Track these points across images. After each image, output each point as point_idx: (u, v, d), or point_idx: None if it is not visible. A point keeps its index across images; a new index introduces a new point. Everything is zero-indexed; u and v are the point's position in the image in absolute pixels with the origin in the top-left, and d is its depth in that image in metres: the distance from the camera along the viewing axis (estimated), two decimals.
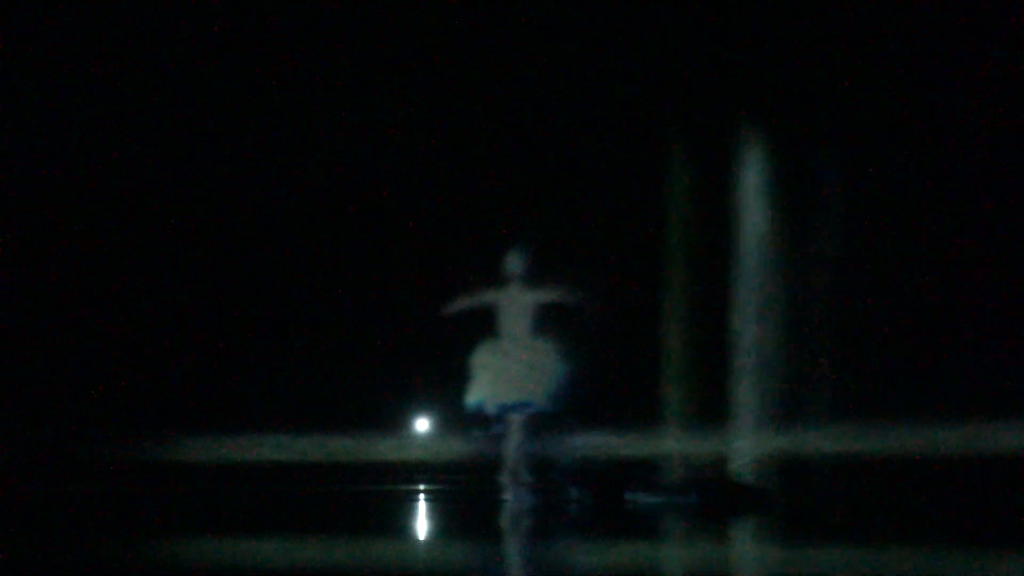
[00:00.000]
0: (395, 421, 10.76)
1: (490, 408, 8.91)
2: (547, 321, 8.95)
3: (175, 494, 10.21)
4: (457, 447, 10.53)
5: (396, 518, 8.14)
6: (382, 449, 10.71)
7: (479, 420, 9.04)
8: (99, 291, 11.04)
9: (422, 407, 10.76)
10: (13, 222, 11.03)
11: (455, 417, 9.55)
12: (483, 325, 9.53)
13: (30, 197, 11.10)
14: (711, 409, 9.94)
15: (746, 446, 9.48)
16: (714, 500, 8.71)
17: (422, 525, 7.49)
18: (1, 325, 10.88)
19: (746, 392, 9.71)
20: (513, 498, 8.85)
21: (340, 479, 10.52)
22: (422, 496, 10.12)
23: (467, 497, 9.75)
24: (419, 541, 6.56)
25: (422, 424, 10.72)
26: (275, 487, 10.50)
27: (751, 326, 9.74)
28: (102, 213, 11.10)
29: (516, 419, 8.90)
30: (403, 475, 10.58)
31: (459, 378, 10.51)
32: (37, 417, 10.77)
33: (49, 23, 10.89)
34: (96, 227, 11.10)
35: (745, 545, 6.38)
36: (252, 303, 11.03)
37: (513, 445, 8.92)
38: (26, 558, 5.58)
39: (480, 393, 8.97)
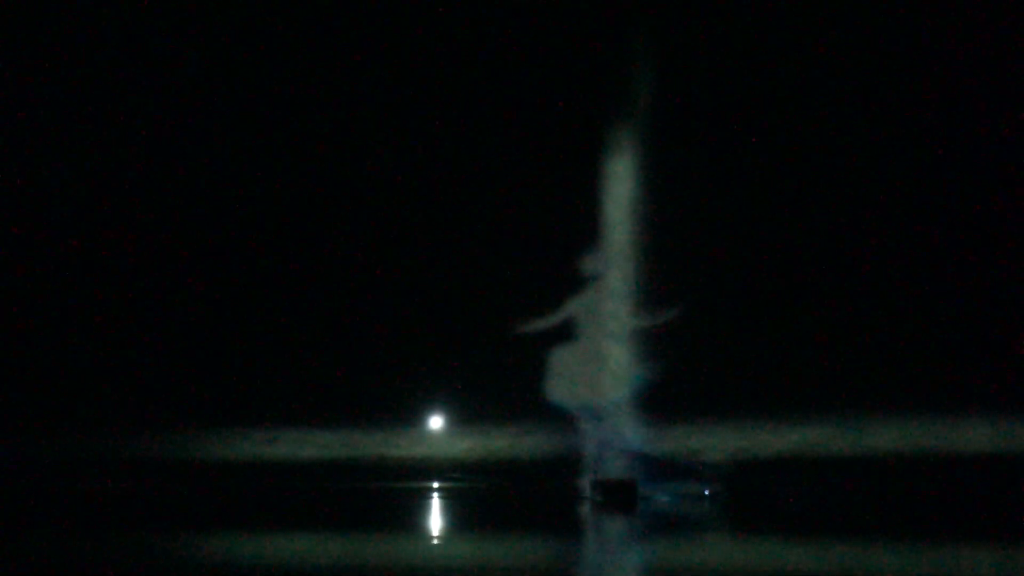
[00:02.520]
0: (409, 418, 10.84)
1: (571, 408, 9.07)
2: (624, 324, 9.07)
3: (200, 491, 10.30)
4: (472, 444, 10.65)
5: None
6: (400, 445, 10.80)
7: (568, 415, 9.16)
8: (115, 288, 11.10)
9: (436, 404, 10.85)
10: (14, 223, 11.09)
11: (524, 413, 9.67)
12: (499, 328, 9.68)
13: (31, 197, 11.15)
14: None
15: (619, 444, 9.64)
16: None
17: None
18: (4, 327, 10.94)
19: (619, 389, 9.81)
20: (594, 497, 8.99)
21: (356, 476, 10.61)
22: (436, 495, 10.22)
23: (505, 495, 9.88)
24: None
25: (436, 421, 10.83)
26: (298, 484, 10.60)
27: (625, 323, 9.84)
28: (110, 212, 11.14)
29: (594, 421, 9.04)
30: (424, 473, 10.66)
31: (473, 377, 10.62)
32: (51, 414, 10.84)
33: (50, 23, 10.94)
34: (111, 225, 11.15)
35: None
36: (271, 300, 11.09)
37: (593, 446, 9.08)
38: (36, 556, 5.69)
39: (559, 394, 9.11)
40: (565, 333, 9.25)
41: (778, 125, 10.30)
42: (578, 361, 9.11)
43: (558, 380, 9.12)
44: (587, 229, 10.15)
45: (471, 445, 10.68)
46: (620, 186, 10.38)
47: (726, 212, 10.25)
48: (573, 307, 9.13)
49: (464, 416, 10.68)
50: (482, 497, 9.92)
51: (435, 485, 10.50)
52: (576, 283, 9.30)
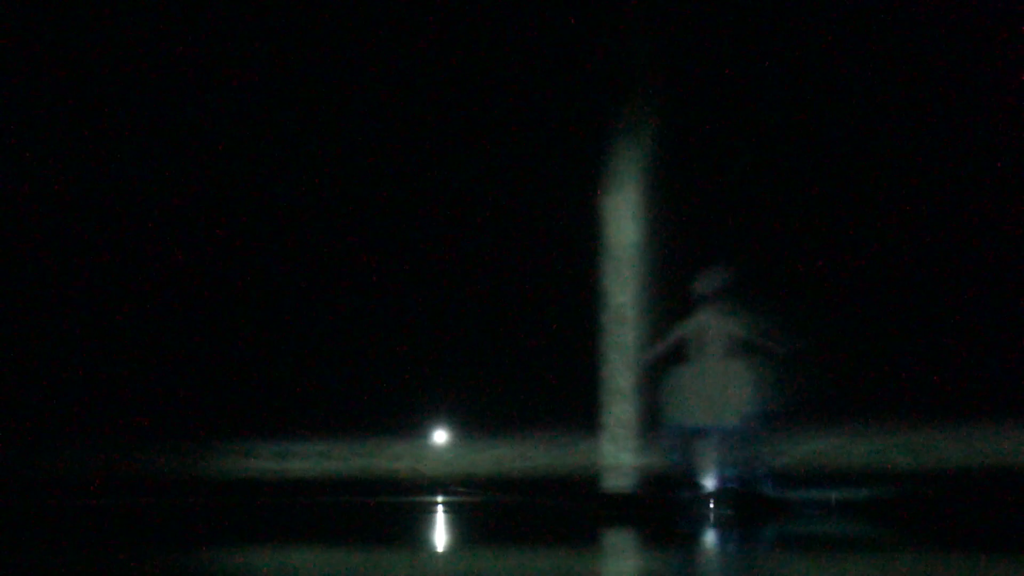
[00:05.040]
0: (413, 432, 10.80)
1: (686, 429, 9.00)
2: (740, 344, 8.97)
3: (205, 506, 10.24)
4: (478, 458, 10.56)
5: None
6: (404, 458, 10.76)
7: (675, 438, 9.08)
8: (115, 298, 11.10)
9: (440, 419, 10.81)
10: (16, 225, 11.08)
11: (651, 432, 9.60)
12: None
13: (32, 201, 11.14)
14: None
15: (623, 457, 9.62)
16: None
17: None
18: (7, 332, 10.93)
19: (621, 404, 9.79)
20: (722, 511, 8.92)
21: (361, 491, 10.56)
22: (444, 509, 10.11)
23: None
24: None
25: (440, 436, 10.78)
26: (302, 498, 10.54)
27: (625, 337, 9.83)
28: (114, 217, 11.14)
29: (713, 440, 8.97)
30: (428, 487, 10.61)
31: (478, 390, 10.53)
32: (53, 428, 10.82)
33: (52, 23, 10.93)
34: (117, 230, 11.14)
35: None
36: (278, 313, 11.09)
37: (714, 464, 9.00)
38: (39, 570, 5.59)
39: (676, 416, 9.03)
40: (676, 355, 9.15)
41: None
42: (702, 381, 9.01)
43: (681, 400, 9.03)
44: (591, 234, 10.11)
45: (476, 458, 10.62)
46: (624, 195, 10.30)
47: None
48: (686, 328, 9.04)
49: (468, 429, 10.64)
50: (488, 511, 9.83)
51: (439, 499, 10.44)
52: (690, 304, 9.17)
